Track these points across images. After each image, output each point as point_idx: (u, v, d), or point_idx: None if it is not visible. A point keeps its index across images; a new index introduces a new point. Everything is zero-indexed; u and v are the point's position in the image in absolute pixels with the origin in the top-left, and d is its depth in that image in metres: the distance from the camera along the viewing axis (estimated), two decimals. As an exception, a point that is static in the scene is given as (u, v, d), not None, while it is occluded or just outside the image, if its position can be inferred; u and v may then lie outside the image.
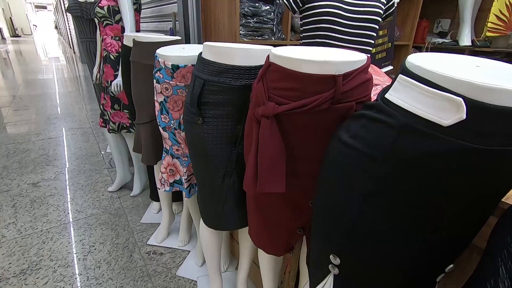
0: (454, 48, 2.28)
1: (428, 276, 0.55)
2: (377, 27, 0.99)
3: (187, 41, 1.55)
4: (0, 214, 1.84)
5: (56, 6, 16.77)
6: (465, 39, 2.20)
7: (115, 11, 1.66)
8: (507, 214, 0.43)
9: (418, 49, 2.45)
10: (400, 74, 0.42)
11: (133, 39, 1.27)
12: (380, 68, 2.02)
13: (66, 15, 10.46)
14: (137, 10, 1.71)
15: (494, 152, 0.37)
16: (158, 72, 1.04)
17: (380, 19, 0.99)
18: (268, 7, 1.41)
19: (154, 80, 1.07)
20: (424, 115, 0.38)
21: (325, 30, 0.97)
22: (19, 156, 2.59)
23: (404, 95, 0.40)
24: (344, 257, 0.54)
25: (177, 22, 1.65)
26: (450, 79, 0.36)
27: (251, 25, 1.34)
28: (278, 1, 1.42)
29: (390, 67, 2.12)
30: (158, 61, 1.03)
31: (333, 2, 0.94)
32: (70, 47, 12.81)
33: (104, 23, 1.69)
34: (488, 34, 1.99)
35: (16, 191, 2.09)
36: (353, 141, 0.47)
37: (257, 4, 1.38)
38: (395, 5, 1.10)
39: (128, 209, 1.94)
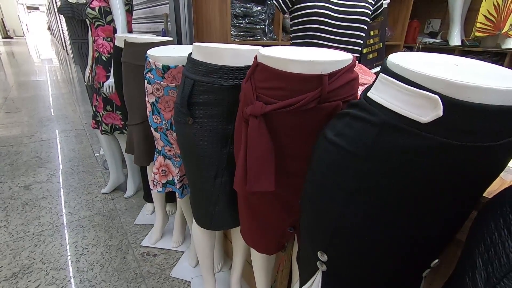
0: (445, 48, 2.31)
1: (414, 271, 0.57)
2: (365, 27, 1.01)
3: (179, 41, 1.55)
4: (-9, 218, 1.82)
5: (48, 7, 16.61)
6: (455, 39, 2.23)
7: (106, 12, 1.65)
8: (485, 208, 0.44)
9: (410, 49, 2.48)
10: (381, 73, 0.43)
11: (124, 40, 1.27)
12: (372, 68, 2.04)
13: (59, 16, 10.38)
14: (129, 11, 1.70)
15: (472, 148, 0.38)
16: (149, 73, 1.04)
17: (368, 20, 1.00)
18: (259, 8, 1.41)
19: (145, 81, 1.07)
20: (403, 112, 0.39)
21: (314, 30, 0.98)
22: (11, 159, 2.56)
23: (385, 94, 0.41)
24: (331, 254, 0.55)
25: (169, 23, 1.65)
26: (426, 77, 0.37)
27: (242, 25, 1.34)
28: (269, 2, 1.43)
29: (382, 67, 2.13)
30: (149, 61, 1.03)
31: (322, 2, 0.95)
32: (63, 49, 12.69)
33: (96, 24, 1.68)
34: (477, 34, 2.03)
35: (7, 194, 2.07)
36: (338, 139, 0.48)
37: (248, 5, 1.39)
38: (383, 5, 1.12)
39: (122, 210, 1.93)
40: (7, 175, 2.30)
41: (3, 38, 19.05)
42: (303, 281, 0.68)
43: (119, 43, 1.42)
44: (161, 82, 1.02)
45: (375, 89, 0.44)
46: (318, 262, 0.59)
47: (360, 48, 1.03)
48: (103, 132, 1.87)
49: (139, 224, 1.81)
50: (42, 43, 17.59)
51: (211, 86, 0.80)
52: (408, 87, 0.38)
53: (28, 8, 23.00)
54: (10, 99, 4.50)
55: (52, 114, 3.85)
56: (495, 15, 1.91)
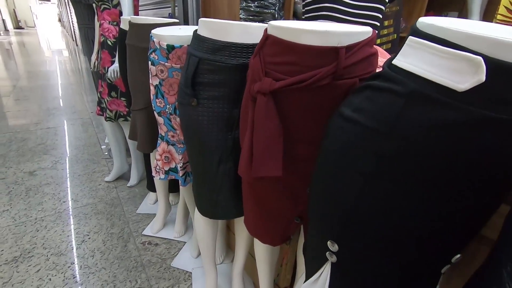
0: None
1: (433, 265, 0.51)
2: (383, 8, 0.94)
3: (185, 23, 1.50)
4: (-5, 202, 1.82)
5: (59, -1, 16.72)
6: (473, 32, 2.13)
7: (113, -5, 1.61)
8: None
9: (424, 42, 2.39)
10: (410, 36, 0.38)
11: (129, 21, 1.23)
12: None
13: (69, 7, 10.43)
14: (136, -5, 1.66)
15: (508, 124, 0.32)
16: (153, 53, 1.00)
17: (386, 1, 0.93)
18: (270, -9, 1.36)
19: (149, 62, 1.03)
20: (436, 79, 0.33)
21: (328, 9, 0.91)
22: (17, 145, 2.56)
23: (415, 59, 0.36)
24: (342, 243, 0.50)
25: (176, 8, 1.60)
26: (467, 35, 0.31)
27: (251, 9, 1.29)
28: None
29: (395, 60, 2.05)
30: (153, 41, 0.98)
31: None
32: (73, 40, 12.78)
33: (102, 7, 1.64)
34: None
35: (12, 179, 2.06)
36: (356, 115, 0.43)
37: (258, -12, 1.34)
38: None
39: (125, 199, 1.91)
40: (13, 161, 2.29)
41: (14, 28, 19.26)
42: (309, 274, 0.63)
43: (124, 25, 1.38)
44: (165, 63, 0.97)
45: (402, 55, 0.38)
46: (327, 253, 0.54)
47: (378, 23, 0.97)
48: (107, 119, 1.84)
49: (142, 213, 1.79)
50: (52, 34, 17.74)
51: (217, 65, 0.75)
52: (445, 49, 0.32)
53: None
54: (19, 87, 4.52)
55: (60, 103, 3.86)
56: (518, 7, 1.81)
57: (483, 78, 0.31)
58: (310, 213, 0.59)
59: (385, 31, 1.89)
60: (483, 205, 0.42)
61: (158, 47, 0.97)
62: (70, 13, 10.70)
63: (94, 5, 1.71)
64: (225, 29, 0.73)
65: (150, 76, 1.05)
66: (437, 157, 0.37)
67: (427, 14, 2.34)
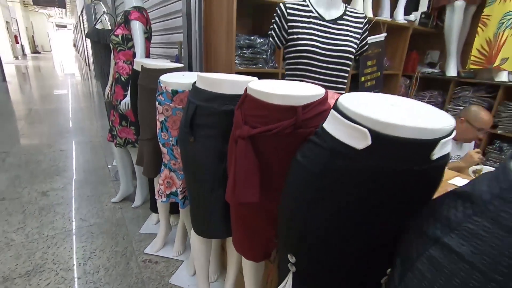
0: (441, 79, 2.42)
1: (373, 276, 0.66)
2: (350, 62, 1.14)
3: (190, 66, 1.72)
4: (11, 219, 1.98)
5: (76, 26, 17.76)
6: (452, 70, 2.34)
7: (128, 39, 1.86)
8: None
9: (409, 78, 2.59)
10: (332, 109, 0.55)
11: (141, 65, 1.44)
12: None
13: (84, 26, 11.11)
14: (148, 38, 1.91)
15: (398, 172, 0.49)
16: (160, 96, 1.20)
17: (352, 56, 1.14)
18: (262, 40, 1.58)
19: (157, 102, 1.22)
20: (345, 141, 0.51)
21: (303, 64, 1.12)
22: (31, 167, 2.76)
23: (333, 125, 0.53)
24: (299, 255, 0.65)
25: (182, 50, 1.84)
26: (359, 115, 0.49)
27: (246, 55, 1.50)
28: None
29: (380, 94, 2.25)
30: (161, 86, 1.18)
31: (310, 42, 1.10)
32: (86, 65, 13.44)
33: (118, 48, 1.89)
34: (471, 66, 2.14)
35: (26, 198, 2.24)
36: (303, 160, 0.60)
37: (252, 37, 1.56)
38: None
39: (129, 219, 2.06)
40: (27, 181, 2.48)
41: (31, 53, 20.29)
42: (280, 283, 0.77)
43: (137, 67, 1.60)
44: (170, 104, 1.17)
45: (327, 121, 0.56)
46: (289, 264, 0.69)
47: (345, 80, 1.16)
48: (117, 145, 2.04)
49: (144, 232, 1.93)
50: (67, 58, 18.64)
51: (211, 111, 0.93)
52: (346, 121, 0.50)
53: (57, 26, 24.59)
54: (34, 110, 4.81)
55: (71, 126, 4.10)
56: (487, 50, 2.02)
57: (369, 142, 0.48)
58: (278, 231, 0.74)
59: (368, 70, 2.10)
60: (396, 227, 0.57)
61: (164, 91, 1.17)
62: (85, 39, 11.37)
63: (111, 45, 1.95)
64: (217, 83, 0.92)
65: (157, 113, 1.25)
66: (355, 191, 0.53)
67: (410, 53, 2.57)
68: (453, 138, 1.60)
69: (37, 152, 3.10)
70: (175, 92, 1.14)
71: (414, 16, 2.40)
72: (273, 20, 1.15)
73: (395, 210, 0.54)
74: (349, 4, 2.11)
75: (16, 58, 14.39)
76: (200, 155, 0.99)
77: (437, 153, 0.49)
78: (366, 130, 0.48)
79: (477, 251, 0.35)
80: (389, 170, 0.49)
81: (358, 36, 1.18)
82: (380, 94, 0.62)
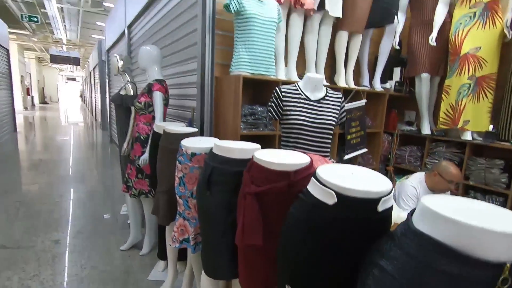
0: (417, 136, 2.77)
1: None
2: (331, 132, 1.47)
3: (202, 129, 2.04)
4: (27, 267, 2.11)
5: (85, 79, 19.01)
6: (426, 129, 2.70)
7: (149, 105, 2.21)
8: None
9: (390, 135, 2.94)
10: (312, 176, 0.83)
11: (164, 130, 1.75)
12: (355, 151, 2.47)
13: (93, 85, 11.95)
14: (166, 104, 2.26)
15: (358, 219, 0.74)
16: (181, 156, 1.48)
17: (333, 127, 1.46)
18: (262, 108, 1.94)
19: (177, 161, 1.50)
20: (320, 198, 0.77)
21: (296, 133, 1.44)
22: (45, 216, 2.93)
23: (313, 188, 0.80)
24: (294, 284, 0.87)
25: (195, 114, 2.18)
26: (329, 182, 0.76)
27: (249, 121, 1.84)
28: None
29: (365, 150, 2.58)
30: (182, 148, 1.47)
31: (300, 117, 1.43)
32: (92, 115, 14.12)
33: (140, 113, 2.23)
34: (441, 126, 2.49)
35: (40, 247, 2.38)
36: (294, 211, 0.85)
37: (254, 107, 1.92)
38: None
39: (137, 267, 2.19)
40: (41, 230, 2.63)
41: (40, 103, 21.27)
42: (280, 312, 0.96)
43: (157, 129, 1.91)
44: (189, 164, 1.44)
45: (310, 184, 0.83)
46: (286, 293, 0.89)
47: (329, 145, 1.47)
48: (132, 195, 2.26)
49: (152, 279, 2.05)
50: (72, 108, 19.53)
51: (224, 171, 1.20)
52: (320, 186, 0.76)
53: (68, 79, 26.15)
54: (44, 161, 5.07)
55: (82, 177, 4.33)
56: (452, 113, 2.39)
57: (336, 200, 0.74)
58: (277, 266, 0.96)
59: (353, 130, 2.45)
60: (359, 256, 0.80)
61: (184, 153, 1.45)
62: (95, 91, 12.16)
63: (133, 109, 2.30)
64: (229, 151, 1.21)
65: (176, 170, 1.51)
66: (331, 234, 0.77)
67: (390, 112, 2.96)
68: (430, 189, 1.91)
69: (49, 202, 3.28)
70: (193, 154, 1.43)
71: (390, 84, 2.84)
72: (271, 100, 1.50)
73: (359, 245, 0.78)
74: (334, 75, 2.55)
75: (26, 108, 15.12)
76: (214, 206, 1.23)
77: (381, 207, 0.75)
78: (333, 192, 0.74)
79: (395, 267, 0.59)
80: (352, 218, 0.75)
81: (337, 111, 1.52)
82: (345, 165, 0.90)
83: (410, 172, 2.88)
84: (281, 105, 1.47)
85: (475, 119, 2.35)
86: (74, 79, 27.61)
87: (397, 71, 2.89)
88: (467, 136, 2.37)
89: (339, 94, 1.56)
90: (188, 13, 2.37)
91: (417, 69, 2.65)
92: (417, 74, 2.66)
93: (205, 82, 1.99)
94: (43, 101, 22.25)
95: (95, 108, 12.22)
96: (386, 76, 2.86)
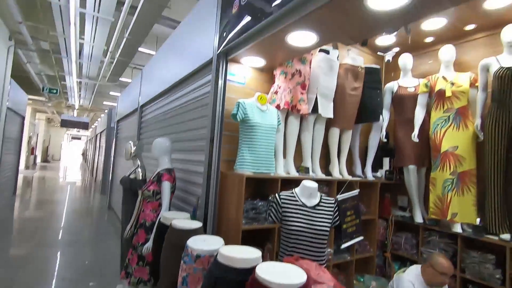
0: (410, 224, 2.88)
1: None
2: (326, 236, 1.60)
3: (205, 220, 2.16)
4: None
5: (90, 139, 19.62)
6: (418, 217, 2.82)
7: (157, 193, 2.37)
8: None
9: (385, 220, 3.05)
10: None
11: (171, 224, 1.88)
12: (352, 240, 2.55)
13: (99, 150, 12.32)
14: (172, 192, 2.43)
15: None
16: (186, 257, 1.58)
17: (327, 232, 1.60)
18: (262, 203, 2.10)
19: (182, 261, 1.59)
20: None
21: (294, 239, 1.57)
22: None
23: None
24: None
25: (199, 202, 2.33)
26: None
27: (250, 216, 1.98)
28: (269, 199, 2.13)
29: (361, 237, 2.65)
30: (187, 249, 1.58)
31: (297, 223, 1.58)
32: (92, 176, 14.22)
33: (148, 200, 2.38)
34: (431, 216, 2.62)
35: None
36: None
37: (255, 202, 2.09)
38: (338, 222, 1.79)
39: None
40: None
41: (41, 161, 21.51)
42: None
43: (164, 220, 2.03)
44: (193, 265, 1.54)
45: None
46: None
47: (323, 250, 1.60)
48: (130, 283, 2.26)
49: None
50: (72, 167, 19.71)
51: (228, 280, 1.30)
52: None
53: (73, 138, 26.97)
54: (41, 228, 5.02)
55: (90, 261, 4.25)
56: (440, 204, 2.55)
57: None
58: None
59: (348, 219, 2.56)
60: None
61: (190, 253, 1.56)
62: (97, 153, 12.48)
63: (141, 196, 2.45)
64: (233, 260, 1.32)
65: (181, 269, 1.59)
66: None
67: (383, 198, 3.11)
68: (427, 284, 2.00)
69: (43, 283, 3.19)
70: (198, 256, 1.53)
71: (380, 173, 3.06)
72: (270, 205, 1.68)
73: None
74: (328, 166, 2.78)
75: (27, 168, 15.27)
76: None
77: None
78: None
79: None
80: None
81: (331, 216, 1.68)
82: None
83: (408, 259, 2.91)
84: (280, 211, 1.64)
85: (462, 212, 2.48)
86: (79, 138, 28.47)
87: (386, 161, 3.14)
88: (457, 229, 2.48)
89: (332, 200, 1.74)
90: (198, 111, 2.70)
91: (404, 161, 2.90)
92: (404, 166, 2.90)
93: (211, 175, 2.19)
94: (45, 159, 22.55)
95: (96, 169, 12.39)
96: (377, 165, 3.10)
